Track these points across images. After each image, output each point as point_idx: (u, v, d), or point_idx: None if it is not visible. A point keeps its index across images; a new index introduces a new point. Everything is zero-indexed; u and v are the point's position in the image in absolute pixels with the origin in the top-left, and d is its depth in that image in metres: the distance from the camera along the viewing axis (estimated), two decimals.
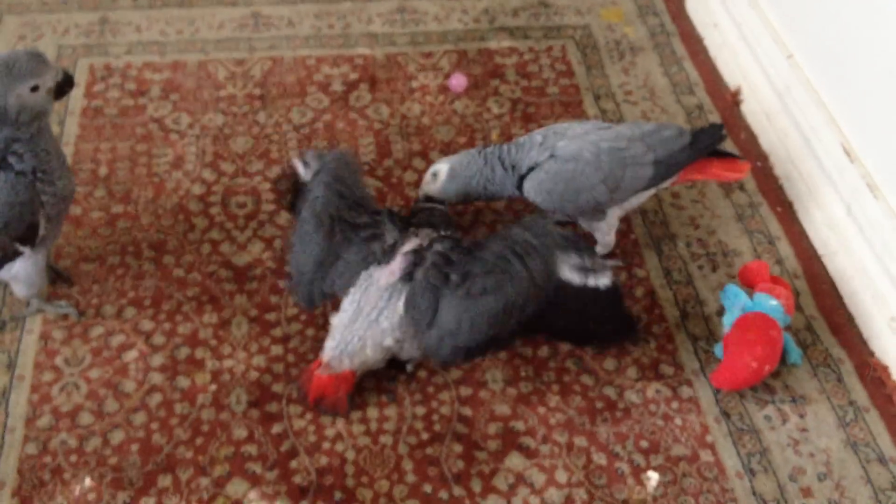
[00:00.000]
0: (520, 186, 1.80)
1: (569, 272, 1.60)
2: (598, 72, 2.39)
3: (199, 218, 2.00)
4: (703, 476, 1.61)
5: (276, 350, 1.76)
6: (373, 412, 1.67)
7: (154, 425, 1.64)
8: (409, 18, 2.53)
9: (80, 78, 2.29)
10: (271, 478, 1.58)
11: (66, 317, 1.78)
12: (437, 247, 1.64)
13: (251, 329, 1.79)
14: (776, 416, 1.69)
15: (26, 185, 1.54)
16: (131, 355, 1.74)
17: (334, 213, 1.66)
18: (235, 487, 1.56)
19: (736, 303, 1.75)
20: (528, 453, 1.63)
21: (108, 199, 2.02)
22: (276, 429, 1.64)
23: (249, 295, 1.85)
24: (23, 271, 1.68)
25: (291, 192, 1.81)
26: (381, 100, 2.29)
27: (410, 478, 1.59)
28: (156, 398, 1.68)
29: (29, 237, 1.61)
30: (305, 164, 1.78)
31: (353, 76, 2.35)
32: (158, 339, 1.77)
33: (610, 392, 1.72)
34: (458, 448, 1.63)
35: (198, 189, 2.06)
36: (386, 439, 1.63)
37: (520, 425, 1.66)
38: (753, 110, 2.26)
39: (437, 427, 1.65)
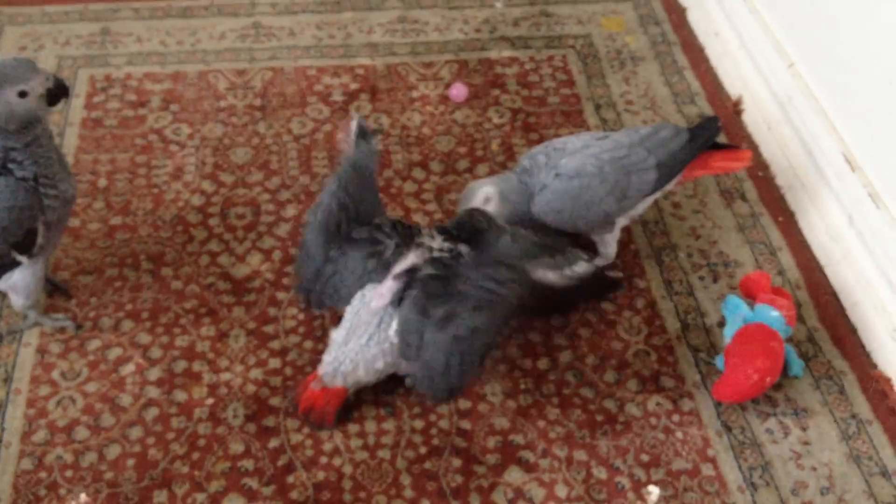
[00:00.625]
0: None
1: (543, 273, 1.62)
2: (599, 81, 2.38)
3: (198, 229, 1.99)
4: (705, 490, 1.59)
5: (274, 363, 1.75)
6: (371, 426, 1.66)
7: (150, 440, 1.63)
8: (410, 28, 2.52)
9: (81, 89, 2.29)
10: (268, 493, 1.56)
11: (63, 330, 1.78)
12: (425, 271, 1.57)
13: (249, 342, 1.78)
14: (778, 429, 1.68)
15: (27, 190, 1.55)
16: (128, 369, 1.73)
17: (333, 226, 1.65)
18: (232, 503, 1.55)
19: (737, 314, 1.73)
20: (528, 467, 1.61)
21: (107, 210, 2.02)
22: (274, 443, 1.63)
23: (248, 307, 1.84)
24: (21, 281, 1.67)
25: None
26: (382, 110, 2.28)
27: (409, 493, 1.57)
28: (152, 412, 1.67)
29: (27, 245, 1.61)
30: (360, 133, 1.72)
31: (354, 86, 2.34)
32: (156, 353, 1.76)
33: (610, 405, 1.71)
34: (456, 462, 1.62)
35: (197, 200, 2.05)
36: (384, 453, 1.62)
37: (519, 439, 1.65)
38: (754, 120, 2.25)
39: (435, 441, 1.64)
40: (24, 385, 1.70)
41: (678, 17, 2.58)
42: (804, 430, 1.68)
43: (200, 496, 1.56)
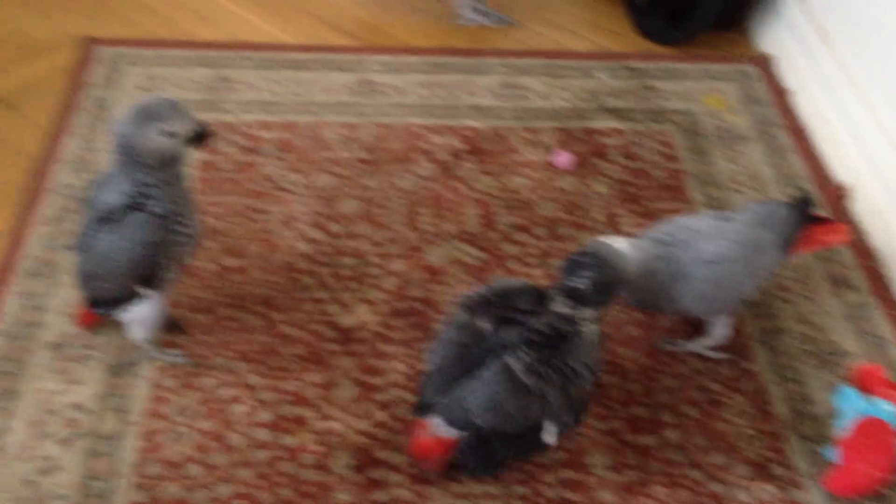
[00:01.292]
0: None
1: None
2: (703, 158, 2.40)
3: (307, 277, 2.03)
4: None
5: (381, 416, 1.76)
6: (475, 487, 1.65)
7: (260, 482, 1.64)
8: (515, 94, 2.58)
9: None
10: None
11: (176, 365, 1.82)
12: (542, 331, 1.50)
13: (355, 391, 1.80)
14: None
15: (160, 227, 1.60)
16: (239, 409, 1.75)
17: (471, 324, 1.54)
18: None
19: (852, 406, 1.70)
20: None
21: (221, 252, 2.07)
22: (379, 496, 1.63)
23: (354, 356, 1.87)
24: (144, 315, 1.72)
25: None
26: (486, 171, 2.32)
27: None
28: (261, 455, 1.68)
29: (153, 280, 1.66)
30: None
31: (459, 146, 2.39)
32: (265, 395, 1.78)
33: (719, 489, 1.68)
34: None
35: (305, 247, 2.10)
36: None
37: None
38: (862, 207, 2.24)
39: None
40: (138, 418, 1.73)
41: (782, 99, 2.59)
42: None
43: None
